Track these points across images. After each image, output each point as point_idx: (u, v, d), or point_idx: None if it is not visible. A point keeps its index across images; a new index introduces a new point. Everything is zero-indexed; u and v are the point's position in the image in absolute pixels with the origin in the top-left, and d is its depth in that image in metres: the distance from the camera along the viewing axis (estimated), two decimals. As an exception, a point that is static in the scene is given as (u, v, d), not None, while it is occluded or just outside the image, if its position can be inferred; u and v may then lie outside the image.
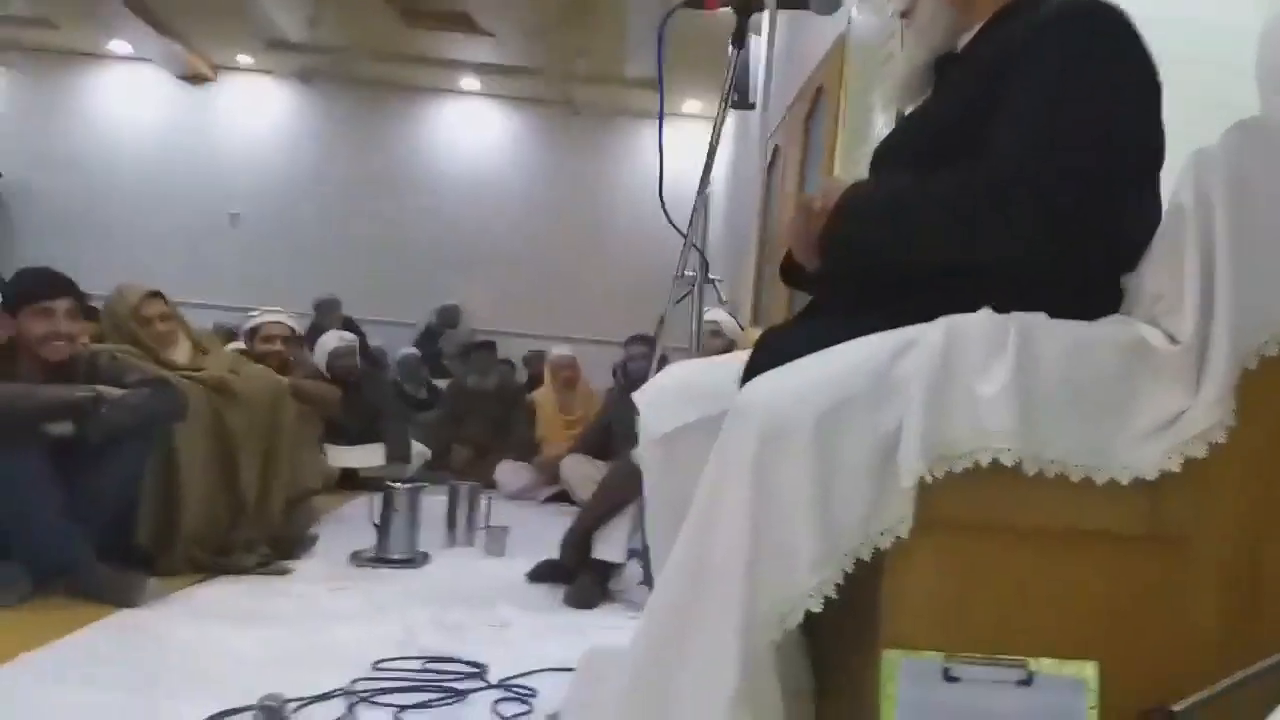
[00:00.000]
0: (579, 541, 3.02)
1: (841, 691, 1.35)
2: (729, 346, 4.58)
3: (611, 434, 4.87)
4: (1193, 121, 1.30)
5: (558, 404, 5.64)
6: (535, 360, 7.68)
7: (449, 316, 9.32)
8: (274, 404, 3.24)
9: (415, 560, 3.41)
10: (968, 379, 1.12)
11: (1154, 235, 1.25)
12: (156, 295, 3.23)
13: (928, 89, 1.47)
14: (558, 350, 5.91)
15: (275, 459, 3.20)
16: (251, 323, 4.59)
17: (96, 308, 3.44)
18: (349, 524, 4.13)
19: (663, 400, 1.35)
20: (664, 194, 1.96)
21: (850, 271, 1.35)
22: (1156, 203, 1.30)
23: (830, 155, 4.50)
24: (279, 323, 4.49)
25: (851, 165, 4.16)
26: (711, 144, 1.93)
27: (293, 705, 2.08)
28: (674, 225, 2.01)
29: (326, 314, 7.99)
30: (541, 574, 3.20)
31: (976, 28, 1.41)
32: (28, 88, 10.05)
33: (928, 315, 1.21)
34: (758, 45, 6.98)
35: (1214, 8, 2.73)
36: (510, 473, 5.41)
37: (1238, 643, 1.14)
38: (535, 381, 6.94)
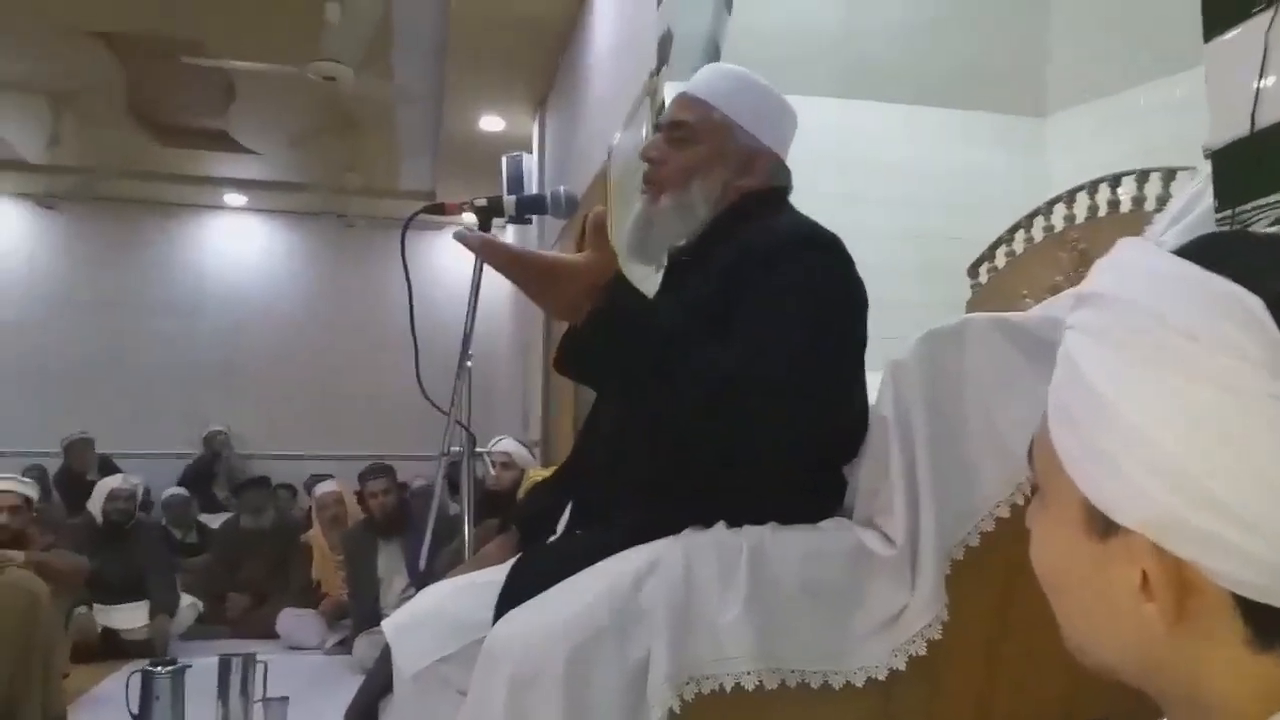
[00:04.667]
0: (363, 714, 2.87)
1: None
2: (520, 476, 4.57)
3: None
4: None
5: (329, 544, 5.39)
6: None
7: (216, 444, 8.77)
8: (25, 619, 2.90)
9: (182, 750, 3.15)
10: (707, 603, 1.17)
11: (865, 421, 1.37)
12: None
13: (651, 262, 1.56)
14: (321, 487, 5.64)
15: (25, 680, 2.86)
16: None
17: None
18: (104, 707, 3.77)
19: (415, 631, 1.32)
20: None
21: (586, 376, 1.25)
22: (864, 392, 1.42)
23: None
24: (7, 492, 4.07)
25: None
26: (466, 332, 1.94)
27: None
28: (435, 405, 2.00)
29: (78, 455, 7.35)
30: (325, 750, 3.02)
31: (703, 226, 1.49)
32: None
33: (669, 526, 1.26)
34: (529, 161, 7.18)
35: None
36: (292, 621, 5.10)
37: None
38: (318, 512, 6.60)
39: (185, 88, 6.99)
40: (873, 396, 1.34)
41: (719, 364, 1.20)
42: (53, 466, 7.67)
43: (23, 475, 4.61)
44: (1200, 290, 0.49)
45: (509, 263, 1.15)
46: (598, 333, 1.16)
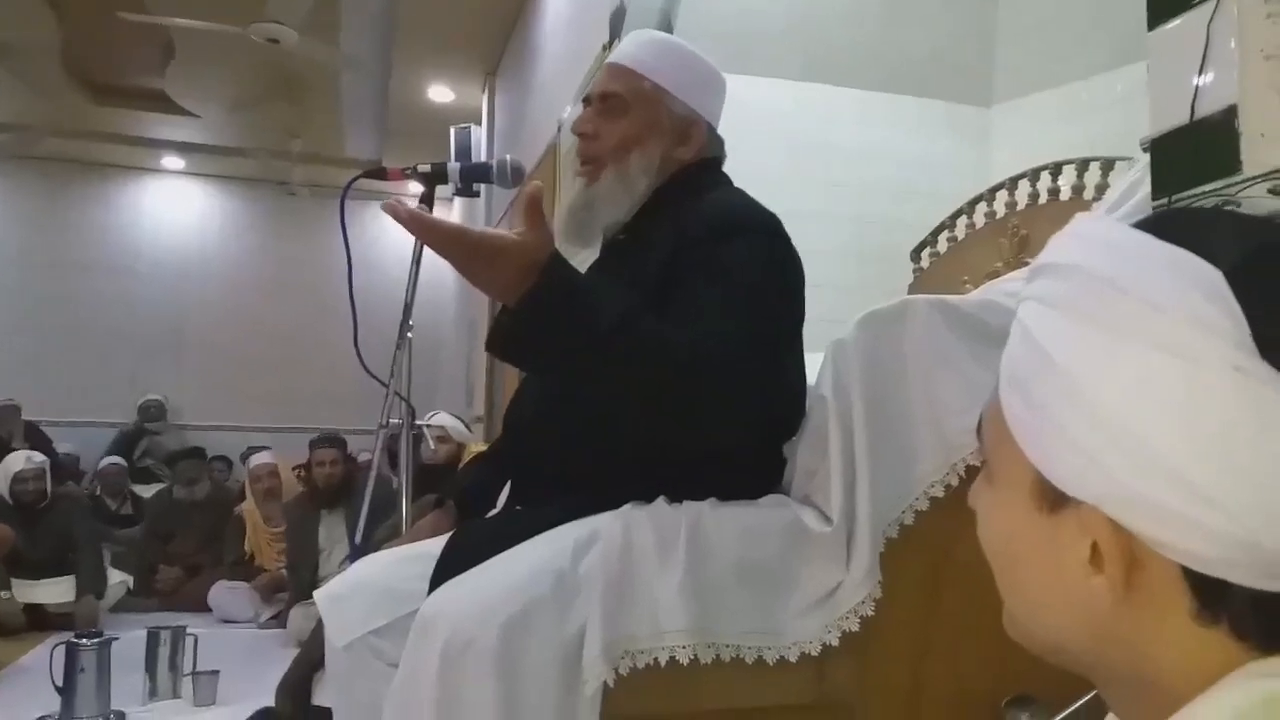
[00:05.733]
0: (296, 688, 2.84)
1: None
2: (458, 451, 4.53)
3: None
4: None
5: (263, 515, 5.30)
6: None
7: (152, 414, 8.56)
8: None
9: (107, 723, 3.08)
10: (644, 577, 1.17)
11: (804, 400, 1.37)
12: None
13: (590, 245, 1.52)
14: (256, 458, 5.55)
15: None
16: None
17: None
18: (29, 678, 3.67)
19: (347, 601, 1.31)
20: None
21: (522, 358, 1.19)
22: (803, 371, 1.41)
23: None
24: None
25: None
26: (406, 303, 1.91)
27: None
28: (374, 376, 1.97)
29: (3, 423, 7.13)
30: (256, 725, 2.98)
31: (642, 201, 1.46)
32: None
33: (609, 502, 1.26)
34: (478, 133, 7.09)
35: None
36: (225, 594, 5.01)
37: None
38: (254, 485, 6.48)
39: (123, 45, 6.76)
40: (813, 376, 1.35)
41: (666, 344, 1.17)
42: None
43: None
44: (1163, 261, 0.49)
45: (438, 238, 1.09)
46: (533, 314, 1.10)
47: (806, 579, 1.23)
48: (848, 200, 3.59)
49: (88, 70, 7.36)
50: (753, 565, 1.21)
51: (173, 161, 9.46)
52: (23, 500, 4.82)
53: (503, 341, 1.13)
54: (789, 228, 1.40)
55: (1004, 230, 2.60)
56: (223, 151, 9.00)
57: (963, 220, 2.82)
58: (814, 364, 1.36)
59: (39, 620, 4.65)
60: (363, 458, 6.34)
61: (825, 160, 3.63)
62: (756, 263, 1.30)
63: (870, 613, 1.21)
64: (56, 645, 3.22)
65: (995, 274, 2.36)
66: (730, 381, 1.19)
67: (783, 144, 3.53)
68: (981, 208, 2.77)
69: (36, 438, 7.10)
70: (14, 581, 4.72)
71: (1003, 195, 2.71)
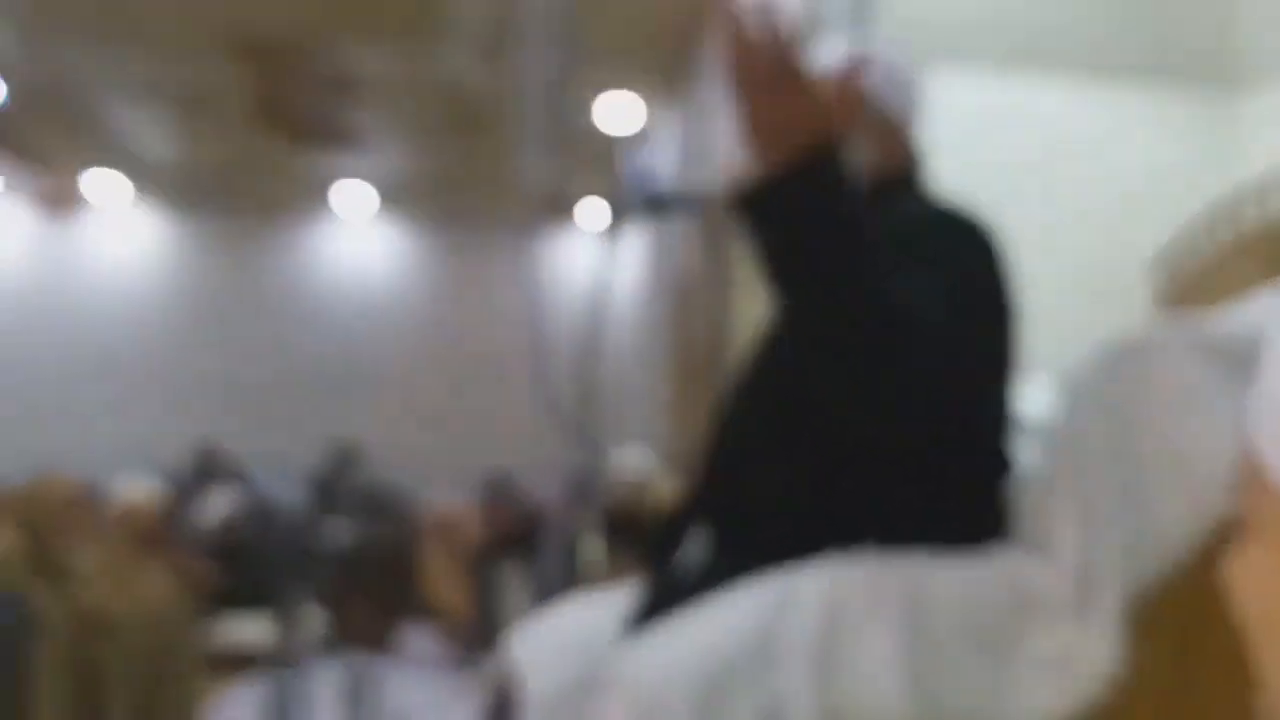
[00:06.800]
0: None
1: None
2: (650, 491, 4.58)
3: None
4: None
5: (442, 558, 5.52)
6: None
7: (346, 455, 9.13)
8: (161, 629, 3.03)
9: (310, 769, 3.27)
10: (856, 639, 1.14)
11: (1006, 420, 1.34)
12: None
13: None
14: (435, 501, 5.82)
15: (159, 693, 2.96)
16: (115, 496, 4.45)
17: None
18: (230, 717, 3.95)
19: (536, 653, 1.34)
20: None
21: (783, 222, 1.10)
22: (1006, 379, 1.36)
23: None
24: (142, 503, 4.35)
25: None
26: (589, 336, 1.95)
27: None
28: (557, 415, 2.03)
29: (208, 466, 7.77)
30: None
31: None
32: None
33: (809, 545, 1.24)
34: (659, 155, 7.20)
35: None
36: (413, 638, 5.25)
37: None
38: (440, 525, 6.77)
39: (308, 88, 7.33)
40: (1034, 405, 1.29)
41: (888, 289, 1.11)
42: (178, 472, 8.12)
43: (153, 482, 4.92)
44: None
45: (761, 44, 1.04)
46: (812, 174, 1.06)
47: (1039, 642, 1.17)
48: (1069, 208, 3.42)
49: (275, 114, 8.00)
50: (978, 626, 1.17)
51: (355, 199, 10.13)
52: (228, 540, 5.27)
53: (767, 194, 1.09)
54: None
55: (1260, 247, 2.41)
56: (408, 186, 9.57)
57: (1209, 236, 2.64)
58: (1036, 393, 1.31)
59: (240, 659, 5.02)
60: (546, 497, 6.53)
61: (1041, 162, 3.47)
62: (955, 263, 1.27)
63: (1113, 682, 1.14)
64: (256, 685, 3.46)
65: (1250, 296, 2.19)
66: (923, 364, 1.13)
67: (990, 146, 3.40)
68: (1230, 220, 2.58)
69: (240, 477, 7.70)
70: (215, 618, 5.13)
71: (1252, 206, 2.51)
